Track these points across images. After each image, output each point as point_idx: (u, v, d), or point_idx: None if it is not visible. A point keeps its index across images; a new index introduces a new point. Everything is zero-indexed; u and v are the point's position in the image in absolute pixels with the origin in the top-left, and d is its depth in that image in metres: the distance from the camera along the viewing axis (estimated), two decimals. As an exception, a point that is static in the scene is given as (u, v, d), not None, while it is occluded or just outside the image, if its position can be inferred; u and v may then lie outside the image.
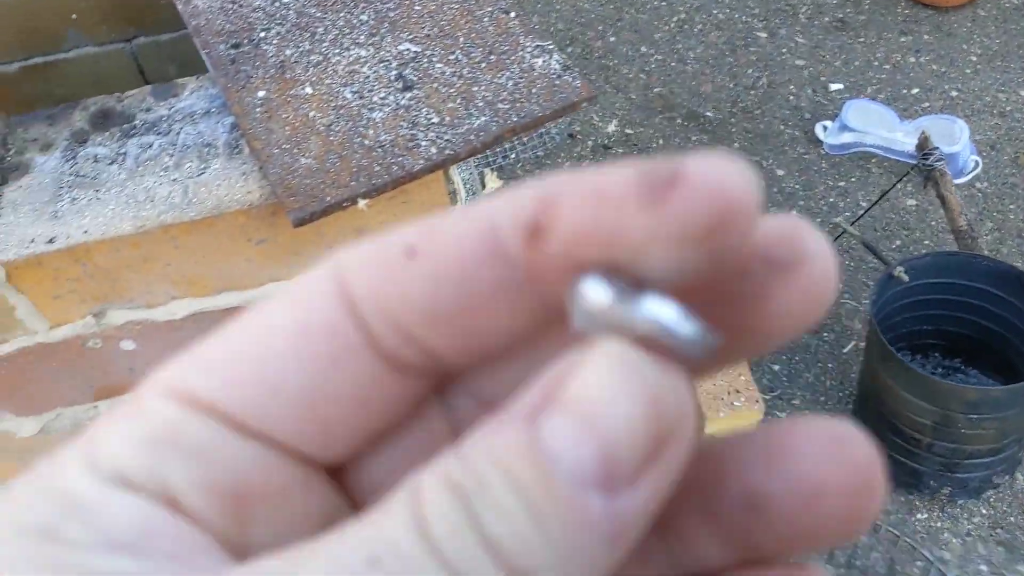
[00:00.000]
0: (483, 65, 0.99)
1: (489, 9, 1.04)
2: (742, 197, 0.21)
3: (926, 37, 2.96)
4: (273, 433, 0.25)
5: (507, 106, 0.95)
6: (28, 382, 1.11)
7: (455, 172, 1.18)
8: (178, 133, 1.08)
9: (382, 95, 0.98)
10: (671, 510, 0.24)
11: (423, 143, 0.93)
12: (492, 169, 2.63)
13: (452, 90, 0.97)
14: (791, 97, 2.82)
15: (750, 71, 2.93)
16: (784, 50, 2.98)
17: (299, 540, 0.24)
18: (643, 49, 3.03)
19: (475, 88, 0.96)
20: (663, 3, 3.18)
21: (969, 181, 2.51)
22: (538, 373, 0.23)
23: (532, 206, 0.22)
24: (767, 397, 2.02)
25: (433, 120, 0.94)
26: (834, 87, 2.84)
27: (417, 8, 1.08)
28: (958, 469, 1.86)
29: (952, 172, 2.30)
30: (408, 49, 1.03)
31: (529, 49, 1.00)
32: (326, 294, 0.25)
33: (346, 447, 0.27)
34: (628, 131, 2.80)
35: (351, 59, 1.03)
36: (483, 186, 1.50)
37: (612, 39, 3.08)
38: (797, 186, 2.55)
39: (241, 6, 1.26)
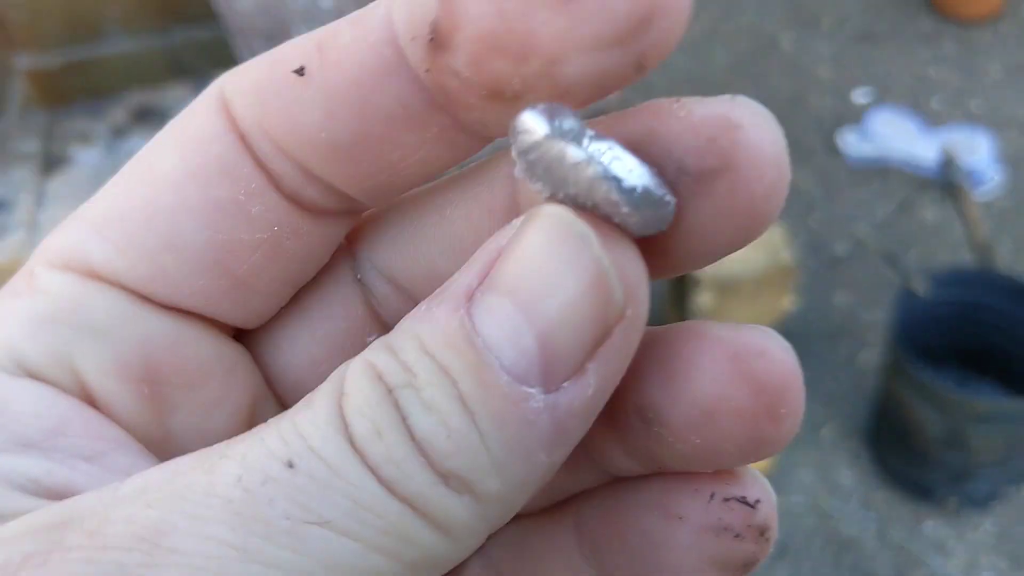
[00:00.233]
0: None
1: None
2: None
3: (949, 50, 2.97)
4: (182, 301, 0.22)
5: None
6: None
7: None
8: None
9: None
10: None
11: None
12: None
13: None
14: (813, 106, 2.84)
15: (773, 79, 2.95)
16: (807, 59, 3.00)
17: (222, 432, 0.22)
18: (669, 55, 3.05)
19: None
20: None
21: (989, 195, 2.52)
22: (462, 248, 0.20)
23: (435, 6, 0.18)
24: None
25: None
26: (856, 97, 2.85)
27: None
28: (966, 480, 1.89)
29: (972, 185, 2.32)
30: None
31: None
32: (216, 129, 0.21)
33: (263, 304, 0.23)
34: (650, 136, 2.82)
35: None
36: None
37: (637, 44, 3.10)
38: (817, 195, 2.58)
39: (280, 9, 1.30)
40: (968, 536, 1.90)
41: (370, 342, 0.19)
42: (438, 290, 0.19)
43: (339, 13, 0.94)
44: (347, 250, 0.25)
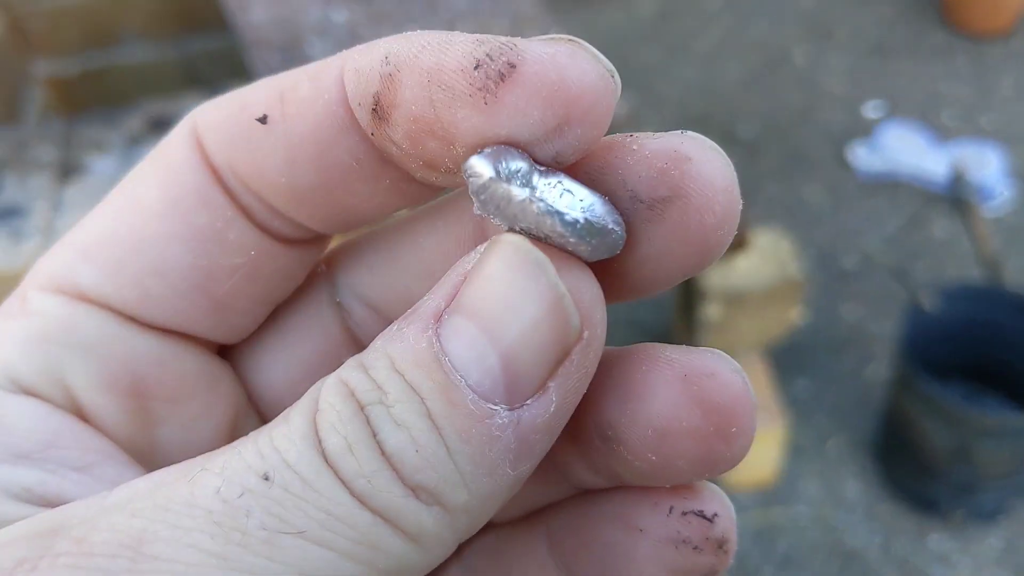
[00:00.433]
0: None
1: (532, 33, 1.09)
2: (585, 95, 0.19)
3: (960, 65, 2.97)
4: (166, 321, 0.23)
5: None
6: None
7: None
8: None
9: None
10: None
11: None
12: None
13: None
14: (824, 119, 2.85)
15: (785, 92, 2.96)
16: (820, 72, 3.01)
17: (206, 444, 0.23)
18: (680, 67, 3.07)
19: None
20: (701, 22, 3.22)
21: (998, 210, 2.53)
22: (433, 274, 0.21)
23: (376, 81, 0.20)
24: (788, 414, 2.05)
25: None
26: (867, 111, 2.86)
27: (461, 28, 1.13)
28: (973, 493, 1.89)
29: (981, 201, 2.33)
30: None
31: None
32: (191, 162, 0.22)
33: (243, 321, 0.25)
34: (662, 147, 2.82)
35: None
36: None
37: (649, 58, 3.12)
38: (826, 208, 2.58)
39: (293, 22, 1.32)
40: (973, 550, 1.90)
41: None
42: (409, 311, 0.20)
43: (351, 27, 0.96)
44: (327, 275, 0.26)
